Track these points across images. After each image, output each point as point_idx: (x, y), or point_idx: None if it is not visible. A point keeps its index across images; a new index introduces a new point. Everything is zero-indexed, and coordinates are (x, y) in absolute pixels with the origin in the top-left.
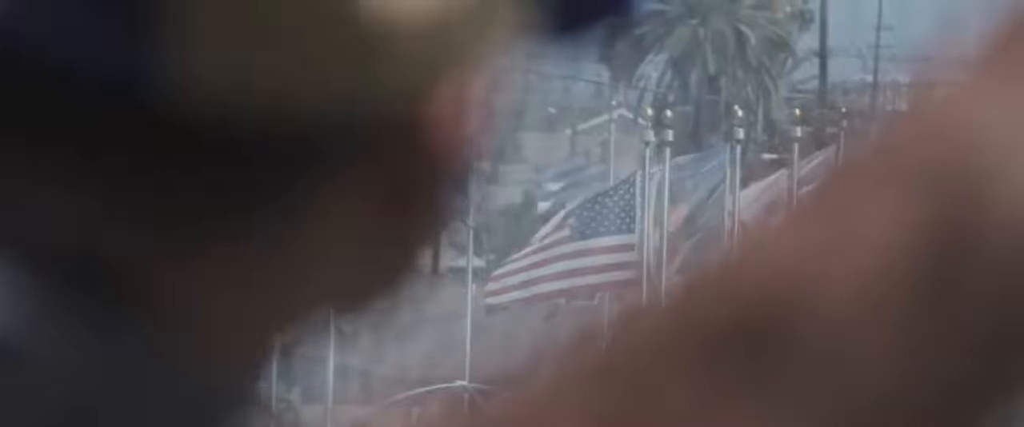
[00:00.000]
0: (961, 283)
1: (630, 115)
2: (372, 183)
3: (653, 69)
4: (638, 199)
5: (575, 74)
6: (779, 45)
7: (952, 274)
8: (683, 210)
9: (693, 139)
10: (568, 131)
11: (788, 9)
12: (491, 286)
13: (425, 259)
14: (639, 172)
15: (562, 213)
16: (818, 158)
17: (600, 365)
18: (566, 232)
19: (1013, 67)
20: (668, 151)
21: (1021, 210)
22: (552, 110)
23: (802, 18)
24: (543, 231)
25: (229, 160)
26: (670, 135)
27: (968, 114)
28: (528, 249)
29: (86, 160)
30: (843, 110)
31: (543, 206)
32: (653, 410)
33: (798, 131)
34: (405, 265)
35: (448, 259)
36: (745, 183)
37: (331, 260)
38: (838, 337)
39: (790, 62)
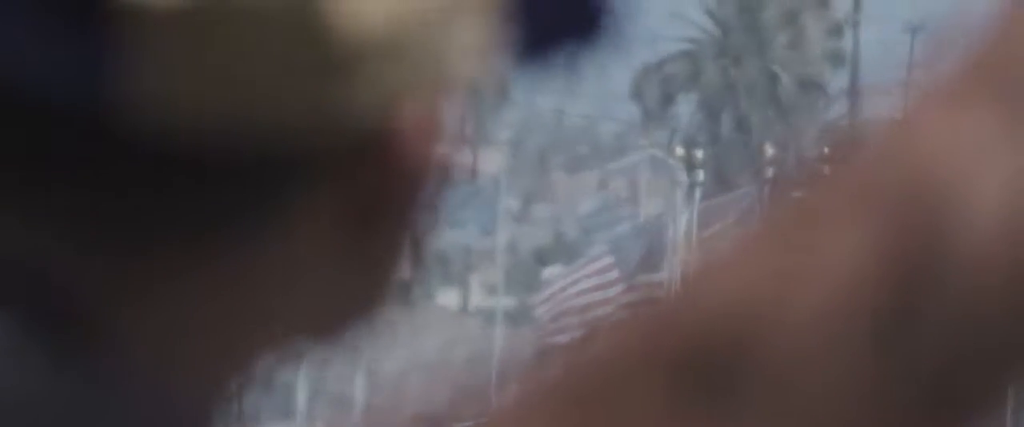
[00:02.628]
0: (922, 309)
1: (660, 155)
2: (339, 204)
3: (684, 109)
4: (669, 238)
5: (605, 113)
6: (811, 85)
7: (913, 299)
8: None
9: (723, 178)
10: (597, 171)
11: (820, 49)
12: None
13: (410, 284)
14: (669, 211)
15: (601, 252)
16: None
17: (560, 387)
18: (615, 274)
19: (972, 91)
20: (698, 191)
21: (981, 235)
22: (582, 149)
23: (835, 58)
24: (588, 270)
25: (189, 182)
26: (700, 175)
27: (926, 139)
28: (574, 288)
29: (38, 184)
30: None
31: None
32: None
33: (828, 170)
34: (377, 289)
35: (477, 299)
36: None
37: (298, 284)
38: (795, 364)
39: (822, 102)
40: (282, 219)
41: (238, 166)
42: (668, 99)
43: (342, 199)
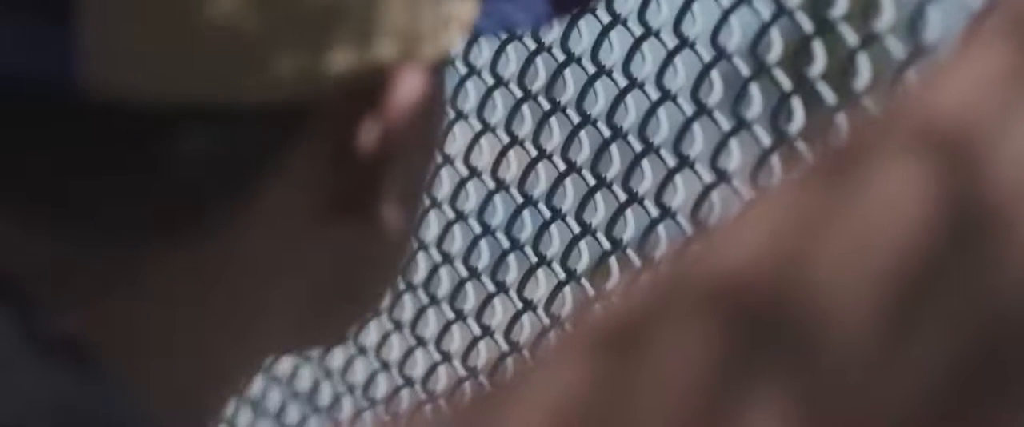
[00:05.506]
0: (950, 269)
1: (726, 147)
2: (323, 186)
3: (752, 99)
4: None
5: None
6: (884, 67)
7: (942, 257)
8: None
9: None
10: (657, 171)
11: (893, 28)
12: None
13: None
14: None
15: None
16: None
17: (597, 334)
18: None
19: (999, 34)
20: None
21: (1014, 183)
22: (640, 148)
23: (910, 34)
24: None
25: (164, 166)
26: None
27: (952, 84)
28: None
29: (5, 176)
30: None
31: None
32: (634, 379)
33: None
34: (370, 283)
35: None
36: None
37: (283, 281)
38: (817, 323)
39: (891, 81)
40: (258, 203)
41: (208, 143)
42: (734, 89)
43: (325, 180)
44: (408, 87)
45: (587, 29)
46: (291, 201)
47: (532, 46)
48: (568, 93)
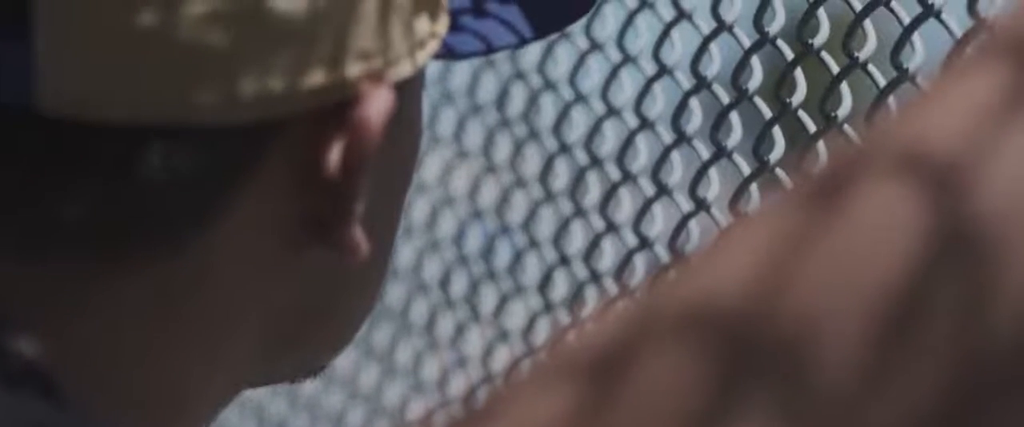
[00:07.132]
0: (932, 294)
1: (706, 174)
2: (290, 206)
3: (732, 127)
4: None
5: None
6: (868, 95)
7: (922, 281)
8: None
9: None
10: (636, 198)
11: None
12: None
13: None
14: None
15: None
16: None
17: (563, 363)
18: None
19: (986, 56)
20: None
21: (997, 207)
22: (617, 177)
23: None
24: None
25: (118, 183)
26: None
27: (935, 108)
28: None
29: None
30: None
31: None
32: (613, 406)
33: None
34: (343, 310)
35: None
36: None
37: (253, 303)
38: (796, 349)
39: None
40: (234, 219)
41: (178, 161)
42: (715, 117)
43: (294, 201)
44: (377, 108)
45: (565, 55)
46: (259, 222)
47: (509, 72)
48: (546, 120)
